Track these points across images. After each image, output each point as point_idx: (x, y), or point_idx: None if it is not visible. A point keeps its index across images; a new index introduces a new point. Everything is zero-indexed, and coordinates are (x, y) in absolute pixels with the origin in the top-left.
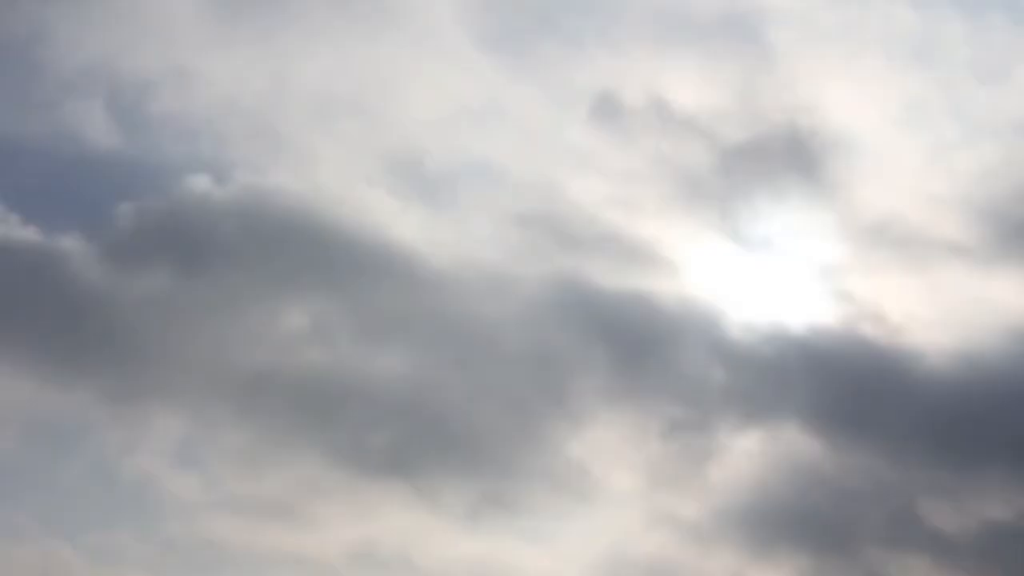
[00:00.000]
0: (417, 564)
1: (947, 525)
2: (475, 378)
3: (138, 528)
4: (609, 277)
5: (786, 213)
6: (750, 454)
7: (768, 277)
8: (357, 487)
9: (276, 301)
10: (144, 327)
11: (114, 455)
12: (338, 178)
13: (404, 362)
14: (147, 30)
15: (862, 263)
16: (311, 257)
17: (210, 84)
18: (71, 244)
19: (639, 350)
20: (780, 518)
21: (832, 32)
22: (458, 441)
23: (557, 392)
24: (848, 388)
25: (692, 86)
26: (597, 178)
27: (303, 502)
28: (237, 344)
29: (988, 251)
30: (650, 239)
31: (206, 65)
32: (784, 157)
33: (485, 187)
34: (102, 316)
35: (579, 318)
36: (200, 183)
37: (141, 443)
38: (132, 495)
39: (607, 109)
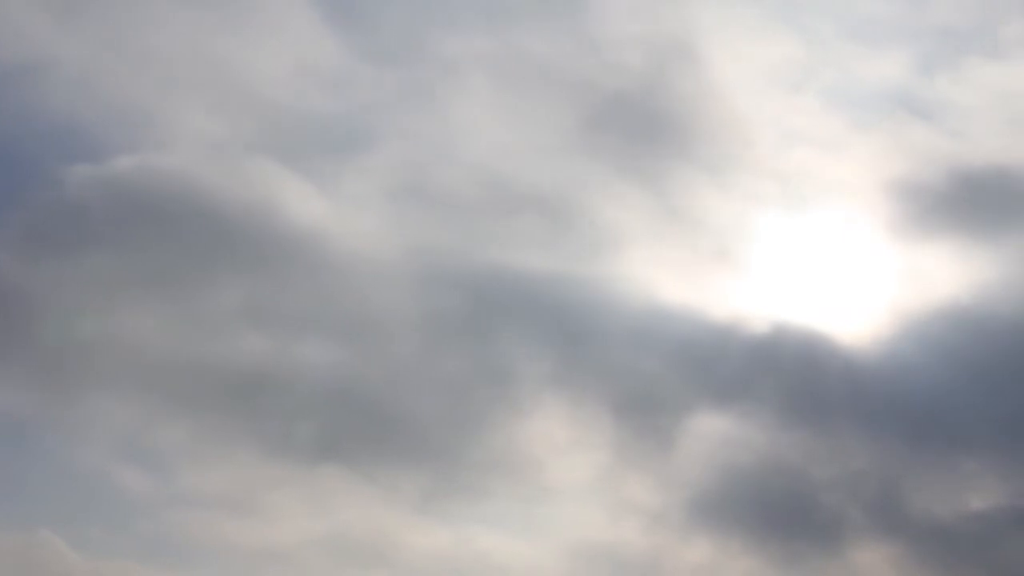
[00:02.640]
0: (382, 553)
1: (913, 510)
2: (404, 364)
3: (102, 523)
4: (522, 252)
5: (685, 178)
6: (695, 439)
7: (687, 252)
8: (306, 477)
9: (189, 286)
10: (54, 320)
11: (56, 452)
12: (217, 151)
13: (331, 349)
14: None
15: (778, 239)
16: (216, 239)
17: (65, 71)
18: None
19: (572, 332)
20: (721, 502)
21: None
22: (403, 429)
23: (497, 377)
24: (776, 370)
25: (547, 44)
26: (478, 139)
27: (256, 494)
28: (159, 334)
29: (909, 226)
30: (553, 202)
31: (59, 52)
32: (658, 115)
33: (364, 153)
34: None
35: (498, 296)
36: (82, 171)
37: (81, 439)
38: (84, 492)
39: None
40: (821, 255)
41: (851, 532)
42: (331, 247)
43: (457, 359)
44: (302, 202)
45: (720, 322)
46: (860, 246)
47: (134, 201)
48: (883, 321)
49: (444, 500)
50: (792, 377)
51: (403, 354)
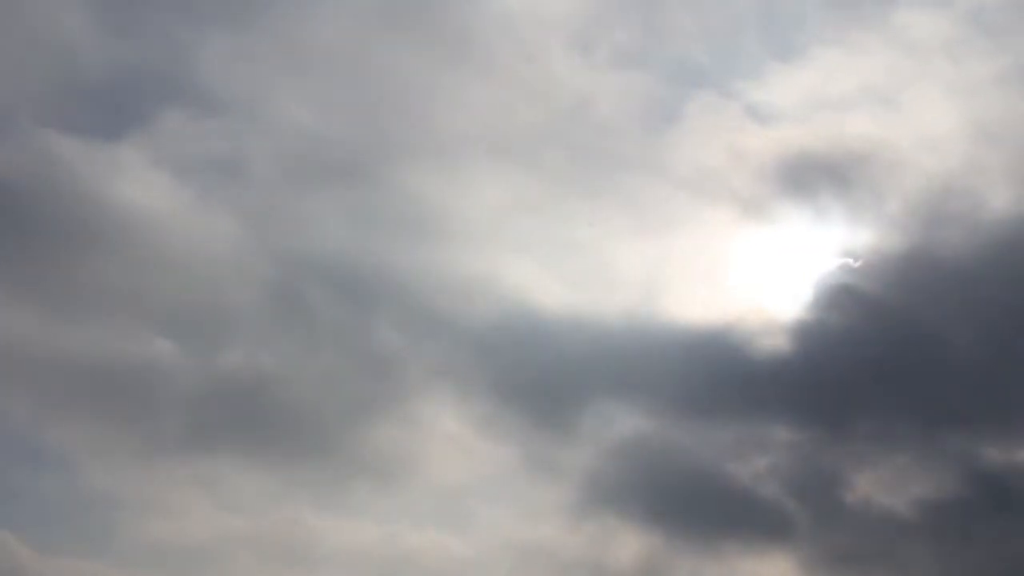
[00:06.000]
0: (300, 549)
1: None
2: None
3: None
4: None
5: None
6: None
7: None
8: (202, 474)
9: (23, 273)
10: None
11: None
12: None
13: (189, 338)
14: None
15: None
16: (33, 223)
17: None
18: None
19: (444, 322)
20: (638, 497)
21: None
22: (295, 422)
23: (375, 368)
24: (662, 362)
25: None
26: (265, 106)
27: (159, 490)
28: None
29: (758, 207)
30: (363, 173)
31: None
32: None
33: (156, 124)
34: None
35: (350, 281)
36: None
37: None
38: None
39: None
40: (672, 240)
41: (770, 525)
42: (159, 226)
43: (325, 348)
44: (116, 178)
45: (594, 315)
46: (715, 230)
47: None
48: (762, 306)
49: (351, 494)
50: (683, 369)
51: (274, 345)
